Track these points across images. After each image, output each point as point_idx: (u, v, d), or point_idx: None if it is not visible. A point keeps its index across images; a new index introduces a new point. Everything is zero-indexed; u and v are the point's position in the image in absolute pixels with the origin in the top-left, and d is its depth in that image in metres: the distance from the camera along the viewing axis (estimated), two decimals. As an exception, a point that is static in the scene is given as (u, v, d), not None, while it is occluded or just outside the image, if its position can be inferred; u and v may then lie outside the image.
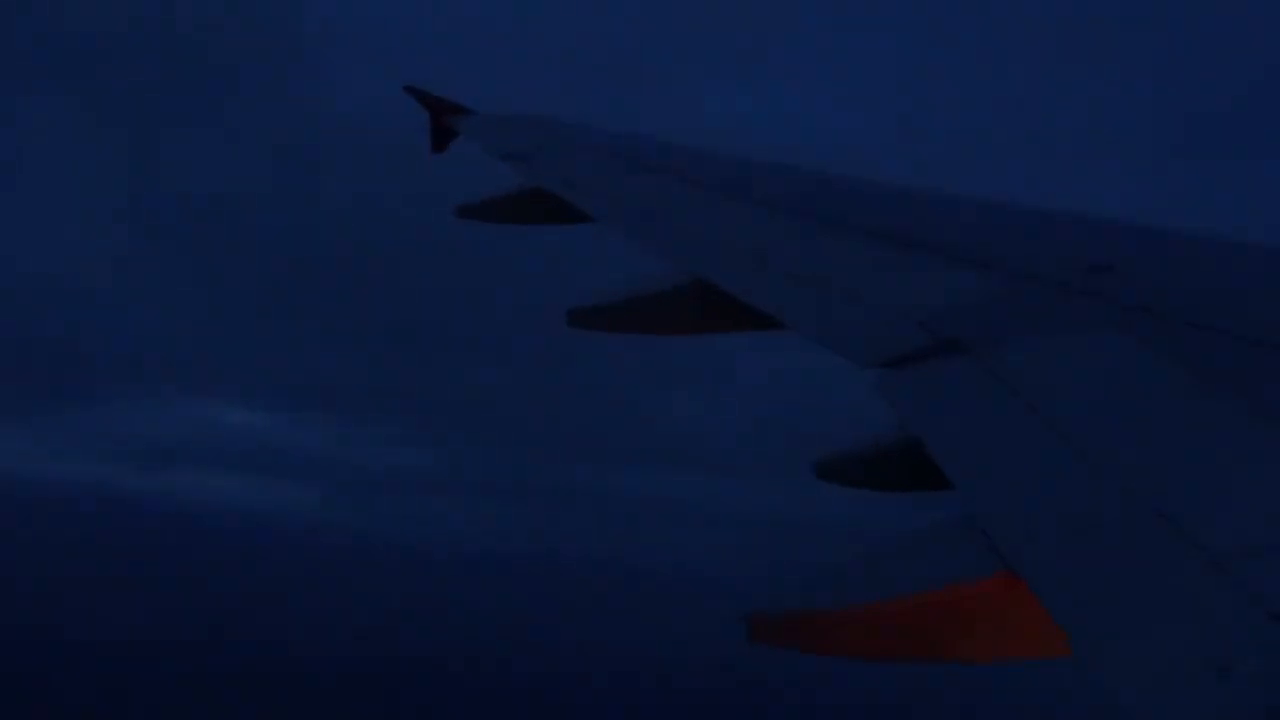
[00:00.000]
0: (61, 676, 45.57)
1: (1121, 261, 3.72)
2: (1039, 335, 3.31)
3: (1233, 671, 1.74)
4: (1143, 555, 2.12)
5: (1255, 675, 1.69)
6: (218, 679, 47.66)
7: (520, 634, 64.07)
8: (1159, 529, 2.16)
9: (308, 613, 65.17)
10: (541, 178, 6.62)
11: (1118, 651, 1.91)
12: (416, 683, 50.90)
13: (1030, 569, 2.23)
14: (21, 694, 42.45)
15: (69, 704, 42.76)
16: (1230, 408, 2.60)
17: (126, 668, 47.85)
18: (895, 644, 2.55)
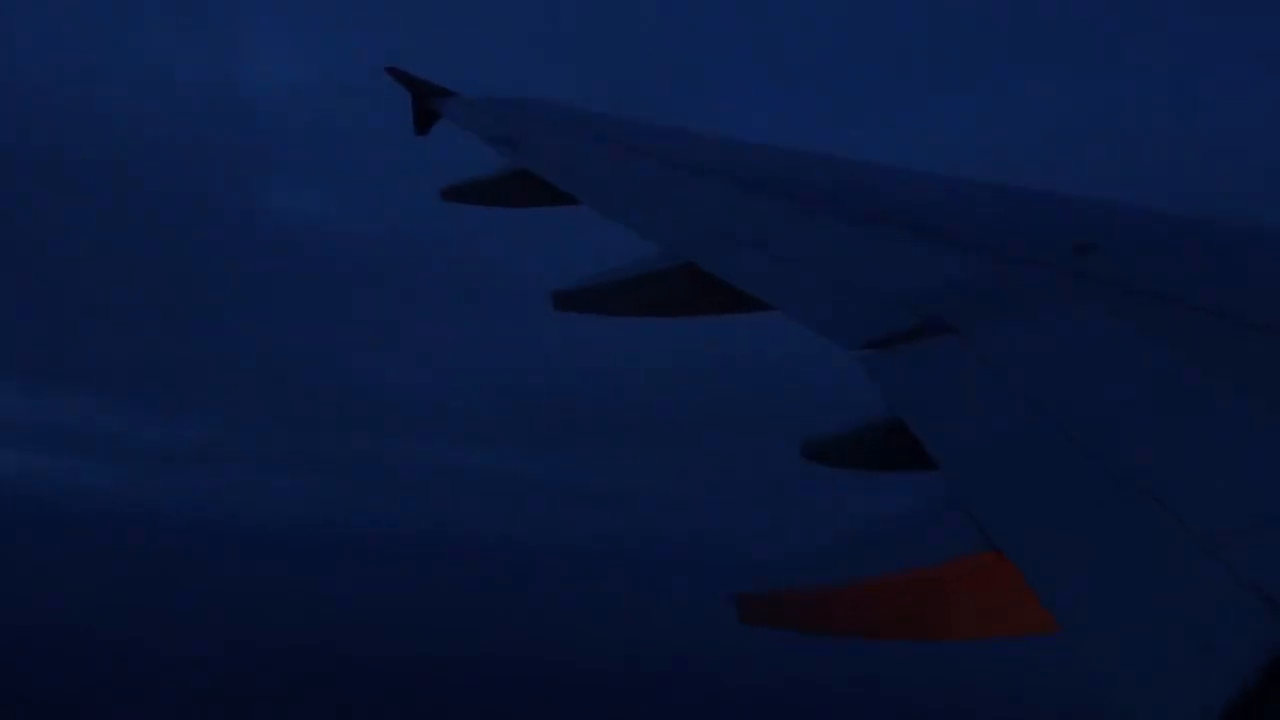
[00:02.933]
0: None
1: (1106, 241, 3.73)
2: (1025, 316, 3.32)
3: (1217, 651, 1.75)
4: (1128, 535, 2.14)
5: (1240, 655, 1.71)
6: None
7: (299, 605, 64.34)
8: (1145, 509, 2.18)
9: (86, 587, 64.64)
10: (527, 160, 6.60)
11: (1103, 630, 1.92)
12: (197, 657, 50.14)
13: (1016, 548, 2.24)
14: None
15: None
16: (1216, 387, 2.61)
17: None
18: (882, 622, 2.57)
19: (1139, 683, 1.79)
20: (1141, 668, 1.82)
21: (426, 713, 46.28)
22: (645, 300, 4.87)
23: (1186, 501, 2.15)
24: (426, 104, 8.81)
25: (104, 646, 50.89)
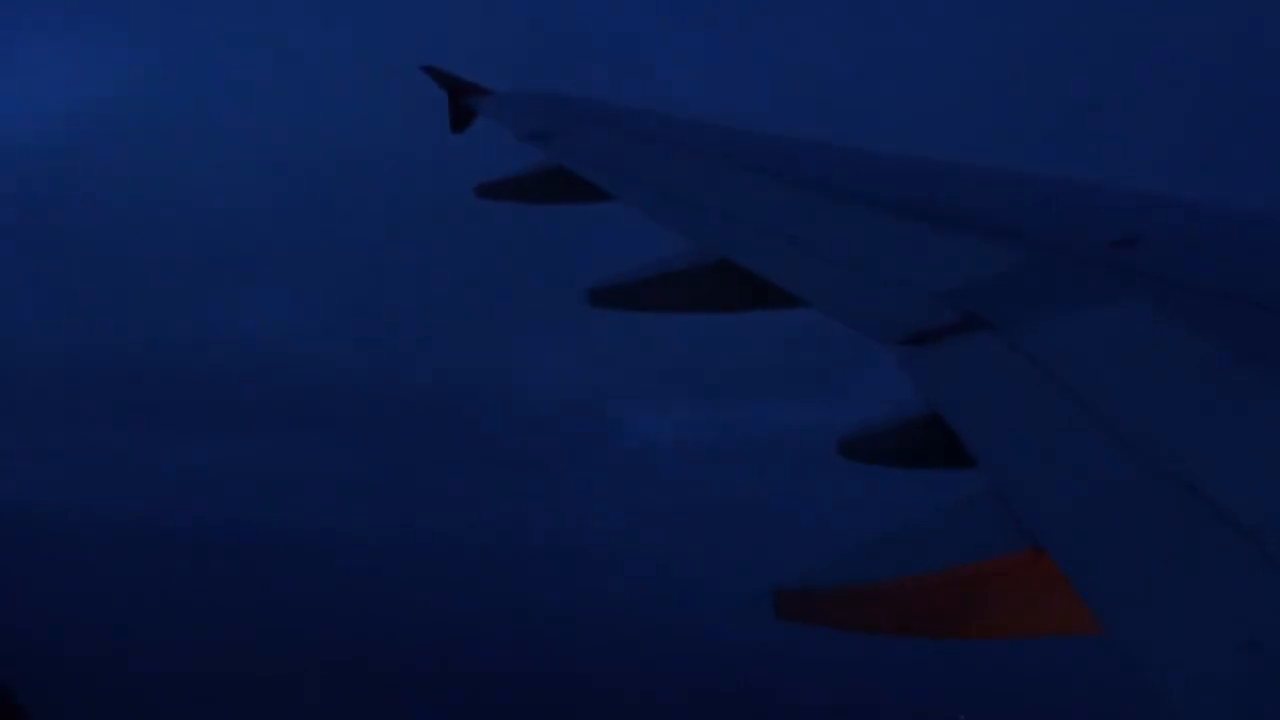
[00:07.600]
0: None
1: (1147, 234, 3.67)
2: (1065, 310, 3.28)
3: (1264, 647, 1.72)
4: (1172, 530, 2.10)
5: None
6: None
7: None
8: (1188, 504, 2.14)
9: None
10: (562, 156, 6.61)
11: (1147, 627, 1.89)
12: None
13: (1058, 544, 2.21)
14: None
15: None
16: (1259, 380, 2.57)
17: None
18: (922, 619, 2.54)
19: (1184, 682, 1.76)
20: (1187, 667, 1.79)
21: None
22: (679, 296, 4.87)
23: (1233, 498, 2.12)
24: (463, 102, 8.85)
25: None
